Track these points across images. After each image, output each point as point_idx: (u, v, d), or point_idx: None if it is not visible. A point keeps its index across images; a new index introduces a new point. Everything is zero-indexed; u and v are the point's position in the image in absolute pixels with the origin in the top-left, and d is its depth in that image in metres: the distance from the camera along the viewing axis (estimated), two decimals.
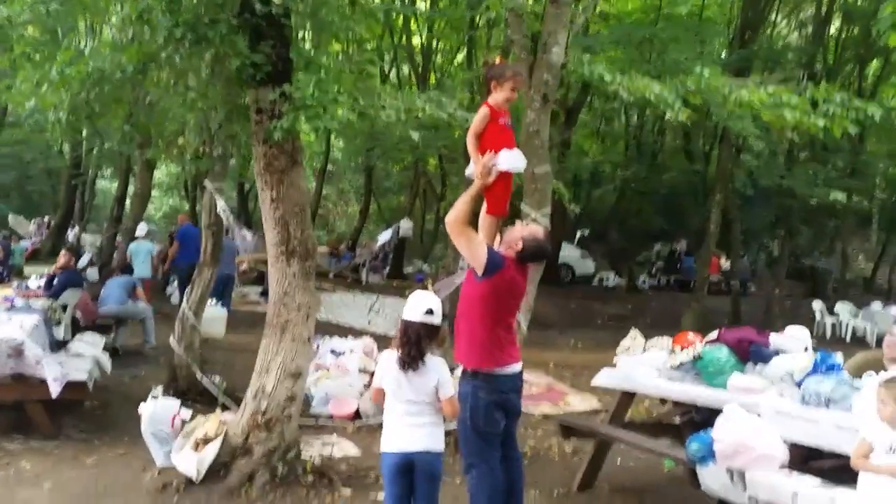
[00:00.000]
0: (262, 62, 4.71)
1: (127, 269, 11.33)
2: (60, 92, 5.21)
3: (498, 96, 4.24)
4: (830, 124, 6.37)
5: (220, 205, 7.52)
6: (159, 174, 26.89)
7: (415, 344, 3.80)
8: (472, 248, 4.08)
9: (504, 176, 4.24)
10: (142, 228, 14.87)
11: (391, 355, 3.90)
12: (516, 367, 4.15)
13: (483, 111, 4.25)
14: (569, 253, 22.27)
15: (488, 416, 4.04)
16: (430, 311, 3.88)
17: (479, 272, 4.04)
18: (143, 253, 13.22)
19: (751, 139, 11.61)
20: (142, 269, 12.66)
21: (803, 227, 21.02)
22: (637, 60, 12.59)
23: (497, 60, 4.43)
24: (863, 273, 25.66)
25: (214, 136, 7.10)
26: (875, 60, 20.23)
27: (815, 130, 6.42)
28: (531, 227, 4.48)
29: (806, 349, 5.09)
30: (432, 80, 20.15)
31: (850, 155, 18.72)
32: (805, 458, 4.47)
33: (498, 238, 4.35)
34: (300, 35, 5.08)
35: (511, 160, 4.22)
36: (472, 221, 4.34)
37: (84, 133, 19.57)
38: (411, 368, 3.80)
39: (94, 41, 4.86)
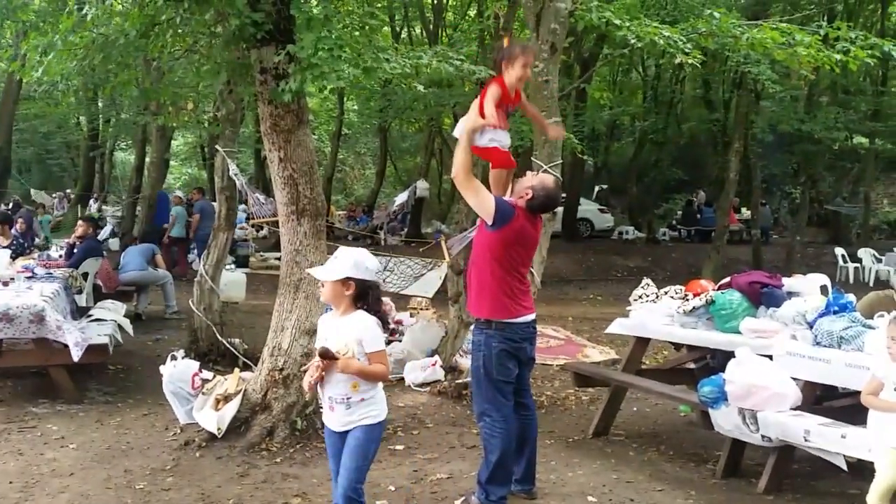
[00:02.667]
0: (262, 20, 4.68)
1: (147, 237, 11.50)
2: (66, 60, 5.22)
3: (511, 75, 4.16)
4: (846, 59, 6.25)
5: (233, 168, 7.56)
6: (176, 144, 27.03)
7: None
8: (480, 199, 4.07)
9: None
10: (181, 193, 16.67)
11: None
12: (529, 317, 4.16)
13: (496, 88, 4.14)
14: (587, 207, 22.17)
15: (501, 365, 4.06)
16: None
17: (489, 222, 4.04)
18: (182, 216, 14.68)
19: (768, 83, 11.42)
20: (181, 230, 14.49)
21: (826, 172, 20.72)
22: (652, 7, 12.34)
23: (505, 42, 4.36)
24: (888, 218, 25.26)
25: (223, 98, 7.09)
26: None
27: (830, 65, 6.29)
28: (541, 176, 4.45)
29: (824, 287, 5.06)
30: (444, 39, 19.92)
31: (873, 97, 18.33)
32: (818, 399, 4.49)
33: (510, 189, 4.34)
34: None
35: (496, 138, 4.20)
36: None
37: (100, 105, 19.73)
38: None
39: (97, 8, 4.82)
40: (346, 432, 3.21)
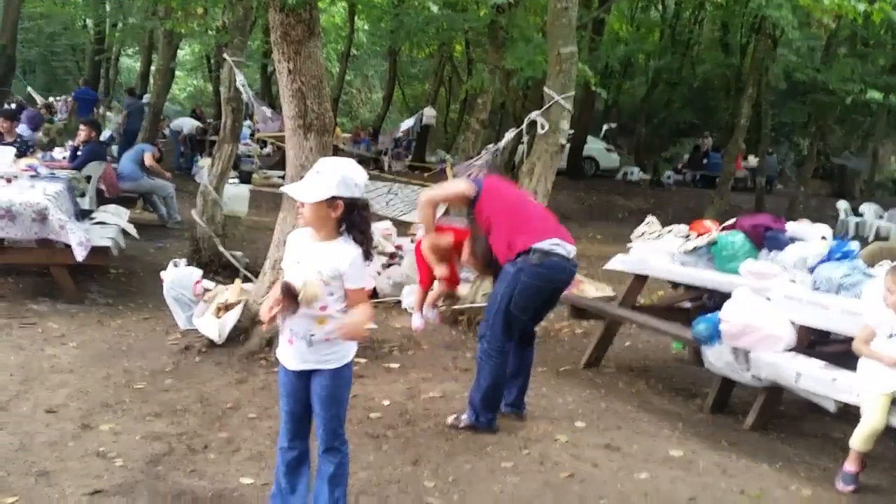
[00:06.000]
0: None
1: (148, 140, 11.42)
2: None
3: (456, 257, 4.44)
4: (871, 10, 6.12)
5: (240, 79, 7.45)
6: (183, 53, 26.59)
7: None
8: (452, 186, 4.32)
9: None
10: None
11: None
12: (562, 246, 4.03)
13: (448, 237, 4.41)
14: (593, 146, 21.99)
15: (522, 302, 4.01)
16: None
17: (472, 194, 4.12)
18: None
19: (788, 28, 11.17)
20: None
21: (836, 125, 20.52)
22: None
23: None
24: (893, 175, 25.16)
25: (233, 4, 6.94)
26: None
27: (854, 15, 6.16)
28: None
29: (823, 238, 5.07)
30: None
31: (893, 51, 17.99)
32: (812, 344, 4.54)
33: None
34: None
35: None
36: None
37: (107, 7, 19.32)
38: None
39: None
40: (305, 373, 2.79)
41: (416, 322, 4.82)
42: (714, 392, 4.67)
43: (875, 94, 14.03)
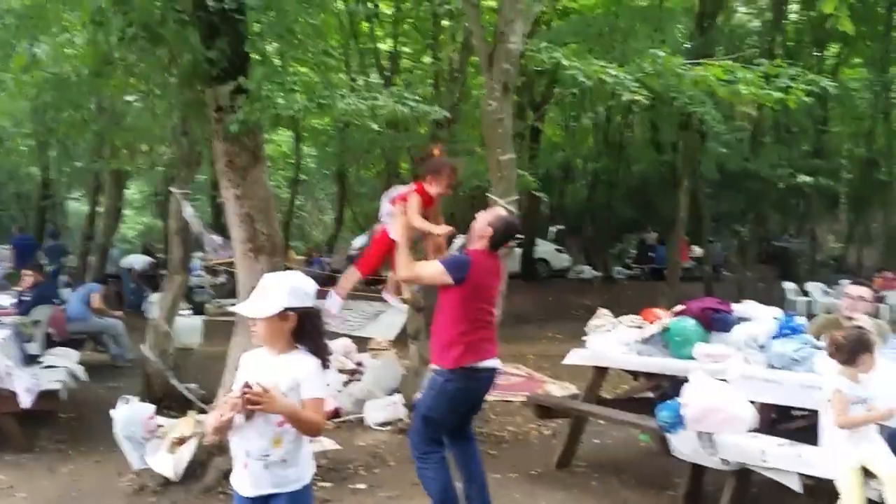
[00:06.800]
0: (216, 58, 4.73)
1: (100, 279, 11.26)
2: (17, 99, 5.20)
3: (433, 189, 4.35)
4: (786, 97, 6.51)
5: (188, 211, 7.49)
6: (130, 192, 26.71)
7: None
8: (429, 275, 4.18)
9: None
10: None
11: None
12: (492, 362, 4.16)
13: (416, 199, 4.34)
14: (544, 248, 22.41)
15: (450, 410, 4.10)
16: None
17: (450, 283, 4.05)
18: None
19: (713, 123, 11.77)
20: None
21: (773, 210, 21.33)
22: (598, 52, 12.72)
23: (436, 152, 4.45)
24: (833, 253, 26.02)
25: (177, 139, 7.07)
26: (834, 45, 20.55)
27: (771, 103, 6.54)
28: (492, 210, 4.54)
29: (775, 318, 5.17)
30: (398, 82, 20.14)
31: (815, 136, 19.01)
32: (773, 422, 4.57)
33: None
34: (256, 30, 5.08)
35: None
36: None
37: (51, 154, 19.45)
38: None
39: (49, 46, 4.81)
40: (262, 498, 2.68)
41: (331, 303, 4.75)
42: (686, 481, 4.62)
43: (805, 178, 14.75)
